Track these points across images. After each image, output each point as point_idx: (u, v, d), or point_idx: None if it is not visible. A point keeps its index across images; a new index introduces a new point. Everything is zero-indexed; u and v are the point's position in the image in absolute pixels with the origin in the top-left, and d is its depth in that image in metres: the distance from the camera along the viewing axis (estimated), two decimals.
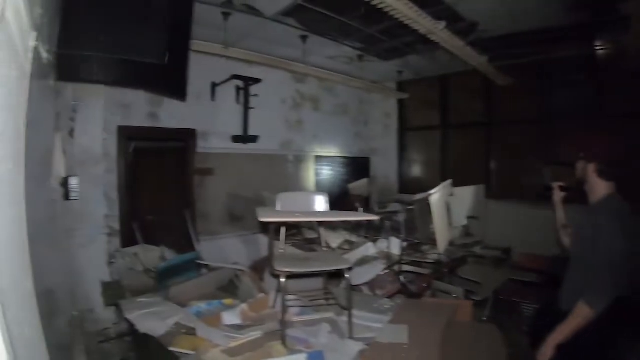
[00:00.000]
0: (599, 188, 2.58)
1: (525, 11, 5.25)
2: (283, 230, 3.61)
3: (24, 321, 1.19)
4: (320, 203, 3.71)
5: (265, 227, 3.43)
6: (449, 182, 5.46)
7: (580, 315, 2.37)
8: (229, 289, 4.49)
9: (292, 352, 2.74)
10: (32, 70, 1.52)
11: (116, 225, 5.53)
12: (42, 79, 2.14)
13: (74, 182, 4.78)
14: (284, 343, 2.82)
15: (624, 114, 6.12)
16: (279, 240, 3.70)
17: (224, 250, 6.48)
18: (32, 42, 1.54)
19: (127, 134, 5.70)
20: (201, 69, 6.10)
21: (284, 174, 7.74)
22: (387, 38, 6.30)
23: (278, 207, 3.57)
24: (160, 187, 6.47)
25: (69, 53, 3.12)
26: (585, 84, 6.81)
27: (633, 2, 4.00)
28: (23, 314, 1.20)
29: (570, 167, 2.85)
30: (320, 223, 3.81)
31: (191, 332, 3.16)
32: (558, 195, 3.17)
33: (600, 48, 6.45)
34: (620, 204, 2.51)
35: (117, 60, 3.44)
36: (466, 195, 5.57)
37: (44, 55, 2.11)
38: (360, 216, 3.66)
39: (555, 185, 3.18)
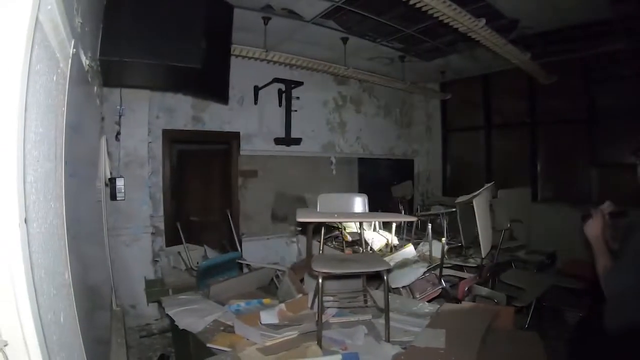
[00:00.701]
0: None
1: (568, 5, 5.11)
2: (322, 231, 3.61)
3: (57, 309, 1.24)
4: (360, 204, 3.69)
5: (305, 228, 3.43)
6: (492, 184, 5.35)
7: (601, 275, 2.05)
8: (269, 288, 4.54)
9: (328, 352, 2.73)
10: (71, 75, 1.58)
11: (161, 225, 5.75)
12: (84, 84, 2.21)
13: (119, 183, 4.94)
14: (319, 343, 2.81)
15: None
16: (319, 241, 3.72)
17: (267, 250, 6.58)
18: (71, 50, 1.60)
19: (171, 137, 5.87)
20: (244, 73, 6.22)
21: (326, 175, 7.77)
22: (427, 38, 6.26)
23: (318, 208, 3.58)
24: (204, 188, 6.63)
25: (112, 60, 3.24)
26: (635, 79, 6.51)
27: None
28: (57, 302, 1.25)
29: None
30: (362, 225, 3.80)
31: (229, 329, 3.20)
32: (597, 227, 2.17)
33: None
34: None
35: (158, 65, 3.53)
36: (510, 198, 5.44)
37: (85, 61, 2.18)
38: (398, 217, 3.63)
39: (603, 211, 2.20)
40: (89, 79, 2.46)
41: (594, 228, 2.15)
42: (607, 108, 6.90)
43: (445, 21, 4.64)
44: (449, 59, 7.43)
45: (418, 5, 4.26)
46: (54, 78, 1.37)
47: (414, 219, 5.16)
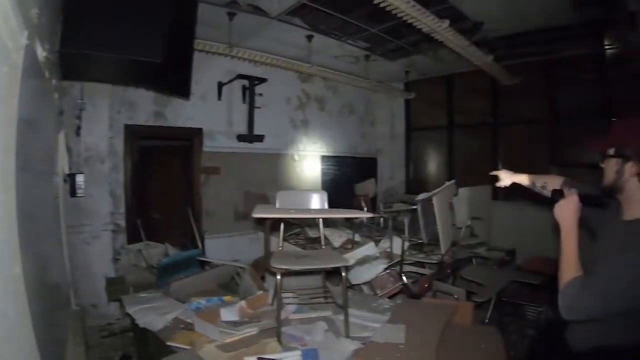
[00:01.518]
0: None
1: (533, 9, 5.25)
2: (281, 227, 3.60)
3: (8, 304, 1.22)
4: (320, 201, 3.70)
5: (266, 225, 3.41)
6: (452, 182, 5.43)
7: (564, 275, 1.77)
8: (230, 286, 4.50)
9: (287, 349, 2.73)
10: (25, 67, 1.55)
11: (122, 223, 5.65)
12: (39, 76, 2.16)
13: (79, 179, 4.85)
14: (279, 340, 2.80)
15: (632, 115, 6.05)
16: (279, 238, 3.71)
17: (230, 248, 6.53)
18: (24, 40, 1.56)
19: (133, 133, 5.78)
20: (208, 69, 6.18)
21: (289, 173, 7.76)
22: (392, 37, 6.32)
23: (277, 205, 3.57)
24: (166, 185, 6.54)
25: (71, 52, 3.17)
26: (595, 83, 6.77)
27: None
28: (7, 296, 1.23)
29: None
30: (321, 221, 3.80)
31: (189, 327, 3.17)
32: (571, 209, 1.88)
33: (609, 46, 6.41)
34: None
35: (119, 59, 3.46)
36: (471, 196, 5.54)
37: (42, 53, 2.13)
38: (354, 214, 3.65)
39: (569, 192, 1.91)
40: (46, 72, 2.40)
41: (565, 209, 1.88)
42: (567, 110, 7.13)
43: (410, 21, 4.68)
44: (413, 59, 7.52)
45: (382, 5, 4.29)
46: (5, 69, 1.34)
47: (370, 215, 5.21)
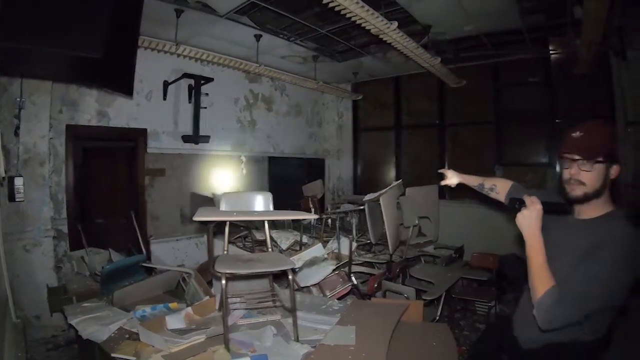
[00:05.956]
0: (605, 198, 1.85)
1: (481, 14, 5.36)
2: (226, 230, 3.53)
3: None
4: (264, 202, 3.64)
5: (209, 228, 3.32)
6: (399, 182, 5.48)
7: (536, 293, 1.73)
8: (177, 292, 4.39)
9: (236, 355, 2.66)
10: None
11: (64, 228, 5.40)
12: None
13: (18, 182, 4.64)
14: (227, 347, 2.73)
15: (573, 117, 6.42)
16: (230, 241, 3.64)
17: (177, 252, 6.39)
18: None
19: (75, 133, 5.54)
20: (153, 67, 6.02)
21: (236, 174, 7.63)
22: (341, 39, 6.33)
23: (222, 207, 3.49)
24: (109, 188, 6.34)
25: (7, 46, 3.02)
26: (539, 86, 7.07)
27: (587, 3, 4.02)
28: None
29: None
30: (267, 223, 3.75)
31: (134, 337, 3.07)
32: (535, 218, 1.82)
33: (553, 51, 6.66)
34: (632, 228, 1.74)
35: (58, 54, 3.32)
36: (418, 196, 5.60)
37: None
38: (298, 215, 3.61)
39: (532, 201, 1.84)
40: None
41: (529, 219, 1.83)
42: (512, 111, 7.39)
43: (358, 22, 4.68)
44: (361, 60, 7.56)
45: (332, 5, 4.27)
46: None
47: (314, 216, 5.18)
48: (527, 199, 1.86)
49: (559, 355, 1.85)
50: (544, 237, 1.82)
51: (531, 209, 1.82)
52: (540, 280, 1.73)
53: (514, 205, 1.90)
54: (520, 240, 1.86)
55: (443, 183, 2.71)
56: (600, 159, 1.78)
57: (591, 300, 1.63)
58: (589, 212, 1.85)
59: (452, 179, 2.67)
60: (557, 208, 1.90)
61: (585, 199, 1.83)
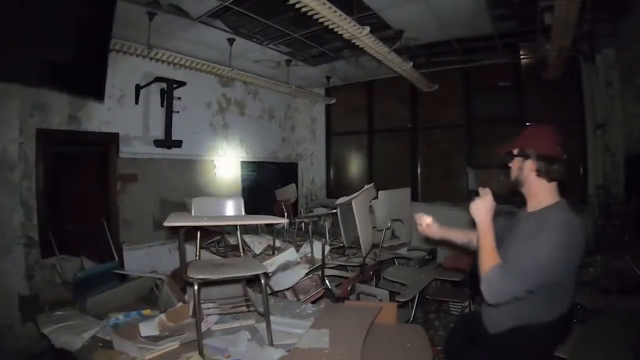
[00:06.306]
0: (542, 191, 2.14)
1: (453, 20, 5.44)
2: (197, 235, 3.51)
3: None
4: (236, 207, 3.65)
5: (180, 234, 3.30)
6: (371, 185, 5.51)
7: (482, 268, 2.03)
8: (150, 298, 4.35)
9: None
10: None
11: (35, 235, 5.23)
12: None
13: None
14: (201, 353, 2.72)
15: (543, 120, 6.57)
16: (203, 247, 3.62)
17: (150, 258, 6.31)
18: None
19: (46, 138, 5.41)
20: (125, 70, 5.97)
21: (209, 179, 7.58)
22: (314, 43, 6.36)
23: (193, 212, 3.48)
24: (81, 194, 6.20)
25: None
26: (510, 90, 7.23)
27: (557, 10, 4.12)
28: None
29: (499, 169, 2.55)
30: (239, 228, 3.74)
31: (108, 345, 3.04)
32: (485, 207, 2.18)
33: (524, 56, 6.83)
34: (573, 216, 2.03)
35: (27, 56, 3.26)
36: (390, 198, 5.63)
37: None
38: (268, 219, 3.62)
39: (484, 192, 2.21)
40: None
41: (481, 207, 2.17)
42: (483, 115, 7.54)
43: (331, 27, 4.69)
44: (334, 64, 7.61)
45: (304, 10, 4.28)
46: None
47: (285, 220, 5.20)
48: (481, 190, 2.23)
49: (520, 336, 2.08)
50: (505, 234, 2.20)
51: (483, 198, 2.19)
52: (488, 258, 2.03)
53: (470, 196, 2.26)
54: (474, 225, 2.20)
55: (420, 230, 2.80)
56: (515, 154, 2.22)
57: (529, 275, 1.90)
58: (535, 205, 2.19)
59: (430, 230, 2.76)
60: (506, 199, 2.33)
61: (514, 186, 2.26)
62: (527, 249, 1.94)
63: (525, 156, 2.16)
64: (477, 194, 2.21)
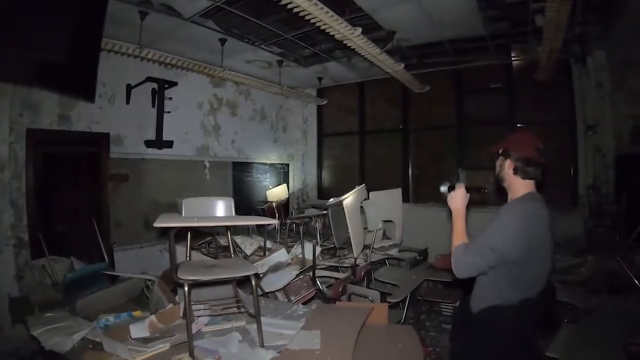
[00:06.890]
0: (517, 187, 2.37)
1: (445, 21, 5.45)
2: (188, 236, 3.50)
3: None
4: (226, 208, 3.64)
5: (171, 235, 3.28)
6: (362, 186, 5.52)
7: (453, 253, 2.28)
8: (141, 300, 4.32)
9: None
10: None
11: (25, 236, 5.20)
12: None
13: None
14: (191, 355, 2.70)
15: (534, 122, 6.66)
16: (194, 248, 3.60)
17: (141, 259, 6.29)
18: None
19: (36, 138, 5.38)
20: (116, 70, 5.93)
21: (200, 180, 7.56)
22: (306, 44, 6.35)
23: (183, 213, 3.46)
24: (72, 194, 6.15)
25: None
26: (501, 92, 7.27)
27: (549, 12, 4.14)
28: None
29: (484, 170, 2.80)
30: (229, 229, 3.73)
31: (98, 347, 3.01)
32: (460, 199, 2.43)
33: (515, 58, 6.85)
34: (535, 204, 2.27)
35: (18, 55, 3.23)
36: (382, 199, 5.64)
37: None
38: (258, 220, 3.62)
39: (459, 185, 2.46)
40: None
41: (457, 198, 2.45)
42: (475, 116, 7.57)
43: (322, 27, 4.70)
44: (326, 65, 7.61)
45: (296, 10, 4.28)
46: None
47: (276, 221, 5.19)
48: (457, 185, 2.50)
49: (490, 316, 2.30)
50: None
51: (457, 190, 2.46)
52: (457, 238, 2.33)
53: (447, 190, 2.53)
54: (450, 215, 2.45)
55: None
56: (499, 153, 2.48)
57: (486, 250, 2.14)
58: (511, 198, 2.42)
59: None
60: (475, 190, 2.61)
61: (497, 181, 2.53)
62: (487, 230, 2.22)
63: (506, 156, 2.43)
64: (453, 188, 2.50)
